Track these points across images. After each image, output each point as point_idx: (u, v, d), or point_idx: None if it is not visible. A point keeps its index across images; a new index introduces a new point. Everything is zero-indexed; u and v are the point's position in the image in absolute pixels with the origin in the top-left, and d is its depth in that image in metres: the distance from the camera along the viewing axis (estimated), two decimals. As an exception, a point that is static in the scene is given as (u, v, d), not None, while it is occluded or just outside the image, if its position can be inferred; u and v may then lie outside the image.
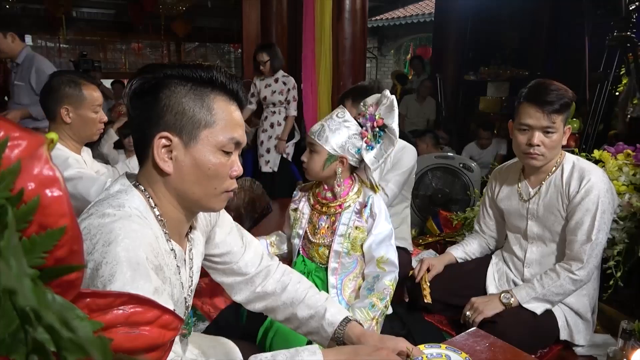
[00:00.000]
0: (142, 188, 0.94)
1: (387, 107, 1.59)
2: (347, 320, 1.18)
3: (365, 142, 1.60)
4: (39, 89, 3.08)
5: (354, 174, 1.71)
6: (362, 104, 1.70)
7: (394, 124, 1.57)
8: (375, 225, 1.64)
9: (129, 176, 0.97)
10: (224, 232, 1.18)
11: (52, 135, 0.41)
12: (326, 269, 1.68)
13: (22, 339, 0.36)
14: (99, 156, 3.31)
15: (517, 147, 1.77)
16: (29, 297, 0.35)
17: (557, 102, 1.65)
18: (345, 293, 1.64)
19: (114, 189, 0.93)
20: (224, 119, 0.93)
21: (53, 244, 0.39)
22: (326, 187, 1.69)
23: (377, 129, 1.59)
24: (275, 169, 4.07)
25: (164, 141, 0.89)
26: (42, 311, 0.35)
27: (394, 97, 1.61)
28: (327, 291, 1.63)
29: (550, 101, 1.64)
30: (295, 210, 1.75)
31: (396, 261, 1.65)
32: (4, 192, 0.37)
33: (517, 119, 1.74)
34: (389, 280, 1.60)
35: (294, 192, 1.81)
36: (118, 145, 3.72)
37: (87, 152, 2.08)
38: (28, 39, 9.60)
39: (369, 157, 1.60)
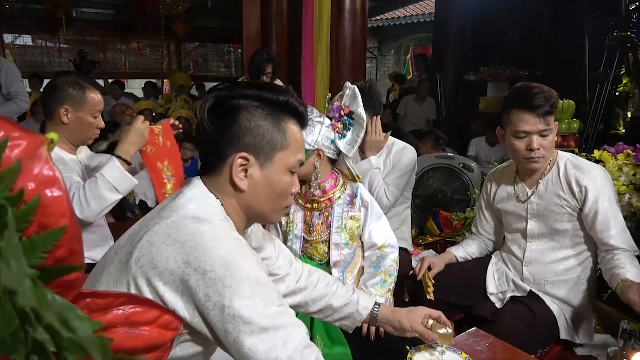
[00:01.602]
0: (215, 196, 1.00)
1: (350, 96, 1.68)
2: (378, 303, 1.37)
3: (337, 132, 1.69)
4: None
5: (335, 169, 1.77)
6: (325, 103, 1.81)
7: (359, 108, 1.67)
8: (370, 214, 1.71)
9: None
10: (259, 239, 1.25)
11: (52, 135, 0.41)
12: (326, 264, 1.71)
13: (22, 339, 0.36)
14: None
15: (515, 153, 1.76)
16: (29, 297, 0.35)
17: (547, 104, 1.66)
18: (347, 284, 1.67)
19: (193, 193, 0.99)
20: (295, 142, 1.02)
21: (53, 244, 0.39)
22: (310, 185, 1.71)
23: (345, 117, 1.69)
24: None
25: (241, 161, 0.97)
26: (42, 311, 0.35)
27: (354, 86, 1.71)
28: None
29: (541, 104, 1.66)
30: (287, 214, 1.75)
31: (395, 241, 1.75)
32: (4, 192, 0.37)
33: (511, 127, 1.73)
34: (393, 259, 1.70)
35: None
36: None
37: (84, 152, 2.08)
38: (28, 38, 9.61)
39: (342, 144, 1.69)
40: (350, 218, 1.70)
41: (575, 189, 1.71)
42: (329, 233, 1.70)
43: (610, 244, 1.68)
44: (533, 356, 1.52)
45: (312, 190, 1.71)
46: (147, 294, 0.86)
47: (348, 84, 1.73)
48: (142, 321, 0.48)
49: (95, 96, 1.92)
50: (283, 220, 1.75)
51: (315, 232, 1.71)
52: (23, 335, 0.35)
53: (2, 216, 0.36)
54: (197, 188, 1.00)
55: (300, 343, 0.89)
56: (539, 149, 1.69)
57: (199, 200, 0.97)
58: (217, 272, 0.85)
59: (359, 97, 1.68)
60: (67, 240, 0.40)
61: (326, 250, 1.71)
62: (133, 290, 0.87)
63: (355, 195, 1.72)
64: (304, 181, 1.73)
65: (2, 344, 0.35)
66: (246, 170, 0.98)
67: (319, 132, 1.66)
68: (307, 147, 1.62)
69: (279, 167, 1.00)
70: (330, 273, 1.67)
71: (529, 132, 1.69)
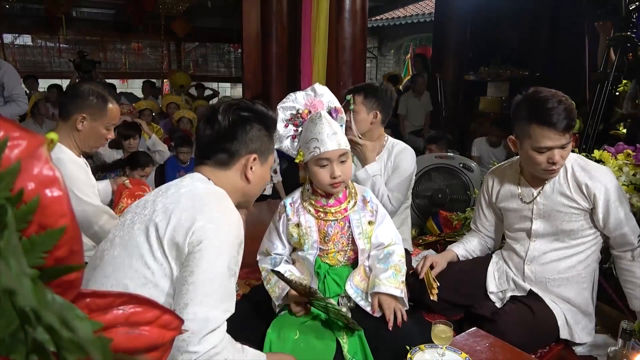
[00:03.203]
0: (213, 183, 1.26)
1: (328, 94, 1.70)
2: None
3: None
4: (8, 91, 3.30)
5: None
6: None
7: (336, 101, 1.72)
8: (378, 216, 1.71)
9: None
10: None
11: (52, 135, 0.41)
12: (343, 267, 1.70)
13: (22, 339, 0.36)
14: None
15: (534, 165, 1.73)
16: (29, 297, 0.35)
17: (568, 118, 1.63)
18: (356, 280, 1.67)
19: (196, 177, 1.26)
20: (273, 147, 1.39)
21: (53, 244, 0.39)
22: (324, 193, 1.67)
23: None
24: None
25: (252, 160, 1.28)
26: (42, 311, 0.35)
27: (317, 85, 1.72)
28: (343, 288, 1.65)
29: (562, 120, 1.63)
30: (298, 225, 1.68)
31: (400, 237, 1.76)
32: (4, 192, 0.37)
33: (531, 142, 1.69)
34: (400, 254, 1.70)
35: (286, 210, 1.72)
36: (116, 146, 3.73)
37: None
38: (28, 38, 9.61)
39: None
40: (368, 223, 1.68)
41: (585, 191, 1.72)
42: (349, 241, 1.68)
43: (624, 241, 1.73)
44: (533, 356, 1.52)
45: (325, 199, 1.67)
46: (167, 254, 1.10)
47: (316, 85, 1.71)
48: (142, 321, 0.48)
49: (115, 110, 1.96)
50: (294, 232, 1.69)
51: (331, 242, 1.67)
52: (23, 335, 0.35)
53: (2, 216, 0.36)
54: (198, 176, 1.26)
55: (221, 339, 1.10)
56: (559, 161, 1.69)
57: (204, 183, 1.24)
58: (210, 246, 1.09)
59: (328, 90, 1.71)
60: (67, 240, 0.40)
61: (340, 259, 1.70)
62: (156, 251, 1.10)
63: (368, 201, 1.70)
64: (313, 191, 1.69)
65: (2, 344, 0.35)
66: (251, 168, 1.28)
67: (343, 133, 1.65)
68: (345, 148, 1.60)
69: (268, 165, 1.35)
70: (346, 276, 1.67)
71: (551, 148, 1.66)
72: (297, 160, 1.66)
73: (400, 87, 7.86)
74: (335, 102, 1.69)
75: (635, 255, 1.74)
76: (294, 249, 1.77)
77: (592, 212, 1.75)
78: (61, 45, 9.38)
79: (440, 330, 1.34)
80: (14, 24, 8.80)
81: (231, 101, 1.31)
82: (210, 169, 1.28)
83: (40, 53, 9.58)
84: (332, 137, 1.57)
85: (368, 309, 1.60)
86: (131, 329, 0.46)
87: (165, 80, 9.99)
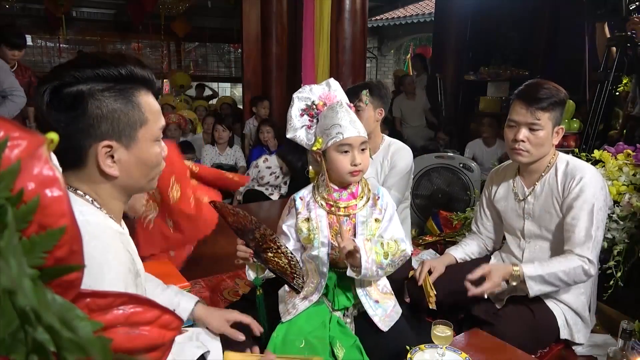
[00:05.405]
0: (82, 193, 0.95)
1: (341, 91, 1.63)
2: (197, 302, 1.40)
3: None
4: None
5: None
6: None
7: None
8: (386, 214, 1.61)
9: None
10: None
11: (52, 135, 0.41)
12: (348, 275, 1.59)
13: (22, 339, 0.35)
14: None
15: (506, 142, 1.81)
16: (29, 297, 0.35)
17: (544, 100, 1.67)
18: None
19: None
20: (152, 112, 0.98)
21: (53, 244, 0.39)
22: (337, 187, 1.58)
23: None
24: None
25: (105, 149, 0.92)
26: (42, 311, 0.35)
27: (331, 80, 1.65)
28: (355, 297, 1.58)
29: (537, 98, 1.67)
30: (308, 220, 1.59)
31: (405, 240, 1.61)
32: (4, 192, 0.37)
33: (508, 116, 1.78)
34: (401, 250, 1.55)
35: (295, 205, 1.63)
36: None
37: None
38: (28, 38, 9.61)
39: None
40: (375, 220, 1.59)
41: (566, 191, 1.72)
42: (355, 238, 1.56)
43: (567, 249, 1.68)
44: (533, 356, 1.52)
45: (338, 193, 1.58)
46: None
47: (330, 81, 1.65)
48: (142, 321, 0.48)
49: None
50: (304, 227, 1.59)
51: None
52: (23, 335, 0.35)
53: (2, 216, 0.36)
54: None
55: None
56: (523, 141, 1.71)
57: None
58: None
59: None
60: (67, 240, 0.40)
61: (351, 260, 1.56)
62: None
63: (378, 198, 1.61)
64: (326, 185, 1.58)
65: (2, 344, 0.35)
66: (112, 156, 0.93)
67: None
68: (365, 136, 1.53)
69: (145, 143, 0.96)
70: (353, 286, 1.58)
71: (517, 122, 1.72)
72: (314, 149, 1.55)
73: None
74: (346, 100, 1.63)
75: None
76: (304, 250, 1.65)
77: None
78: (61, 45, 9.38)
79: (440, 330, 1.33)
80: (14, 24, 8.81)
81: (54, 78, 0.89)
82: (70, 173, 0.94)
83: (40, 53, 9.58)
84: (352, 124, 1.51)
85: (376, 320, 1.54)
86: (131, 329, 0.46)
87: (165, 80, 10.00)
